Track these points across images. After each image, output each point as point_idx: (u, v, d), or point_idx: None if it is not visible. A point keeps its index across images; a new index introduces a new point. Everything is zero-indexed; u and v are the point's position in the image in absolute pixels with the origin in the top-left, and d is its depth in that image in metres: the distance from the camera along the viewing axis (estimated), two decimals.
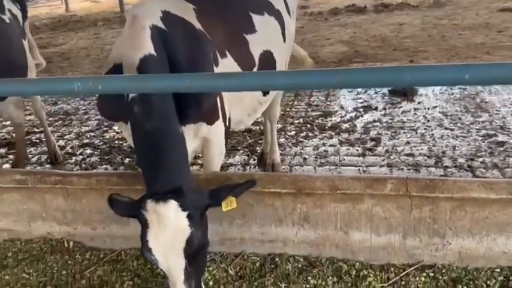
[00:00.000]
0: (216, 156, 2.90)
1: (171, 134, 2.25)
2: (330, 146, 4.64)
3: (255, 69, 2.94)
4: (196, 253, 2.02)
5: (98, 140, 5.22)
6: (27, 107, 5.63)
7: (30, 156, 4.85)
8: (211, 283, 2.59)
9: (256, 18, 3.04)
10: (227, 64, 2.71)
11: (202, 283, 2.17)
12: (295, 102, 5.98)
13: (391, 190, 2.49)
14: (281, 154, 4.51)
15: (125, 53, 2.41)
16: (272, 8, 3.25)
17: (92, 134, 5.43)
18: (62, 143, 5.20)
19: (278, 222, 2.67)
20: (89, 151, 4.97)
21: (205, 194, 2.14)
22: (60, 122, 5.92)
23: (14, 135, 5.00)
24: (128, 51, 2.38)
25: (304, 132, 5.02)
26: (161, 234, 1.97)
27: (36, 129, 5.63)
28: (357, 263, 2.63)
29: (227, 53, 2.73)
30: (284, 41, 3.35)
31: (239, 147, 4.79)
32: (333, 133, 4.93)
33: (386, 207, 2.53)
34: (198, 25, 2.63)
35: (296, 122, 5.35)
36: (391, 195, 2.50)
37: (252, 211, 2.67)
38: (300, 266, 2.66)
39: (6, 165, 4.39)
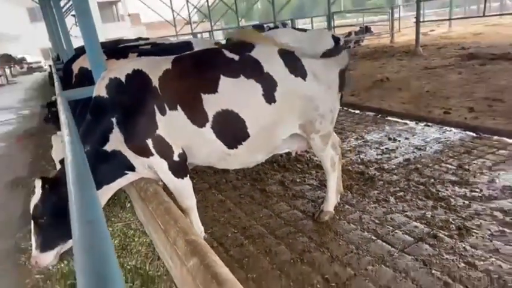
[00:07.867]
0: (169, 183, 3.44)
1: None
2: (416, 219, 3.90)
3: (208, 125, 3.24)
4: (36, 218, 3.10)
5: None
6: None
7: None
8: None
9: (225, 80, 3.23)
10: (175, 116, 3.21)
11: (52, 249, 3.16)
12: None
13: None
14: (352, 205, 4.28)
15: None
16: (259, 71, 3.28)
17: None
18: None
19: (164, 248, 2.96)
20: None
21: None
22: None
23: None
24: None
25: (410, 195, 4.37)
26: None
27: None
28: None
29: (178, 107, 3.21)
30: (271, 102, 3.32)
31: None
32: (443, 204, 4.11)
33: None
34: (155, 83, 3.22)
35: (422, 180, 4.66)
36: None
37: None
38: None
39: None
